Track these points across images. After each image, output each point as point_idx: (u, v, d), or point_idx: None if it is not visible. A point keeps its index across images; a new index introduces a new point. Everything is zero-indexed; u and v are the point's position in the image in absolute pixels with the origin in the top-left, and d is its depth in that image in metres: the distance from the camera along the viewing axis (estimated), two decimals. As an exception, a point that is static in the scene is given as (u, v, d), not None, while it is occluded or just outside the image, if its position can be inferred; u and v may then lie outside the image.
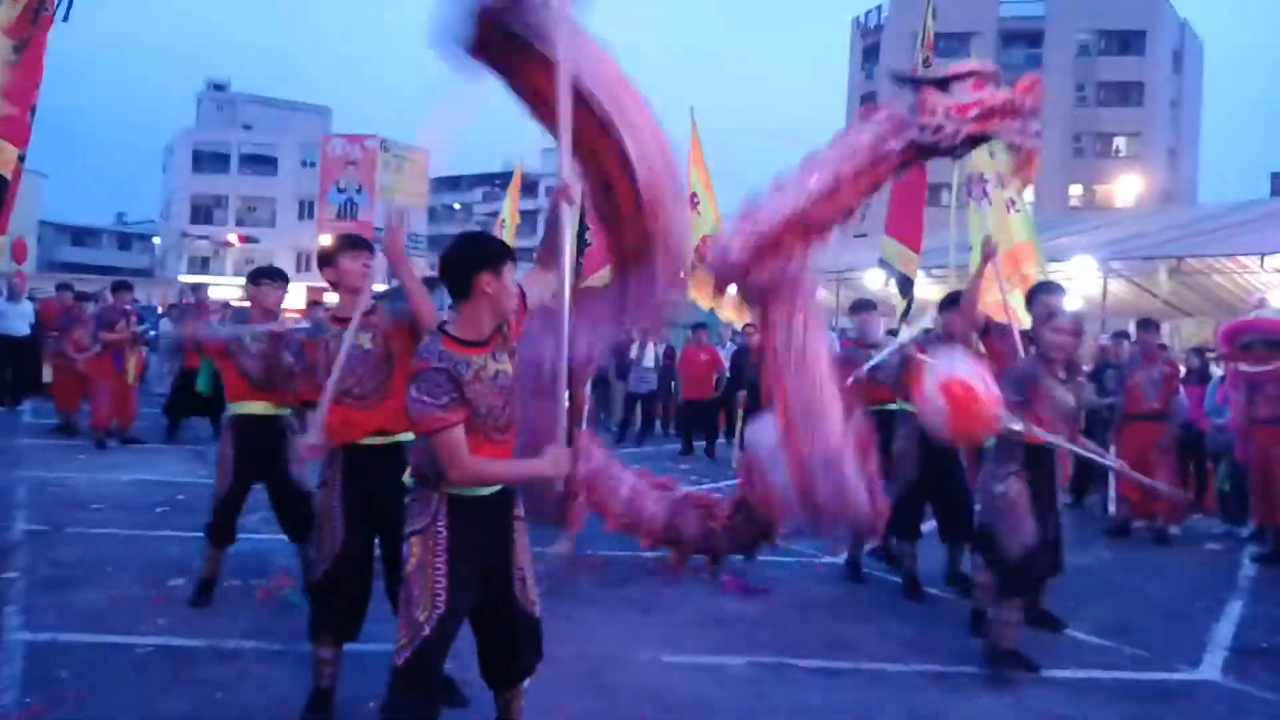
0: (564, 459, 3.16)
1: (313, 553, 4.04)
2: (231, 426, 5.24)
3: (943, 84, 5.20)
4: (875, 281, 17.10)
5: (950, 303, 6.16)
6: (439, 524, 3.09)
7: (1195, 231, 14.58)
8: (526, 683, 3.44)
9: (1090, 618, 5.27)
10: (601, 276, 9.92)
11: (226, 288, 49.44)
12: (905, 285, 10.37)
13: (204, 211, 56.86)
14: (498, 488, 3.20)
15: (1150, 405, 8.41)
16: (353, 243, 4.11)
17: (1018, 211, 9.26)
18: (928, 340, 6.27)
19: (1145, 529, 8.41)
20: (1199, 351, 9.88)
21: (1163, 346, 9.60)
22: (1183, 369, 9.31)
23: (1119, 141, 50.10)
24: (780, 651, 4.90)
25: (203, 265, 54.82)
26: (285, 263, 54.89)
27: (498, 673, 3.35)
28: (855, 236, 36.78)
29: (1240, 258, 12.59)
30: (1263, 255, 12.30)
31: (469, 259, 3.10)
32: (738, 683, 4.52)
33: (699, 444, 12.96)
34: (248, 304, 5.42)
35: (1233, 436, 8.38)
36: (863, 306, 7.43)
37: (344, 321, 3.88)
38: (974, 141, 5.36)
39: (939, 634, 5.40)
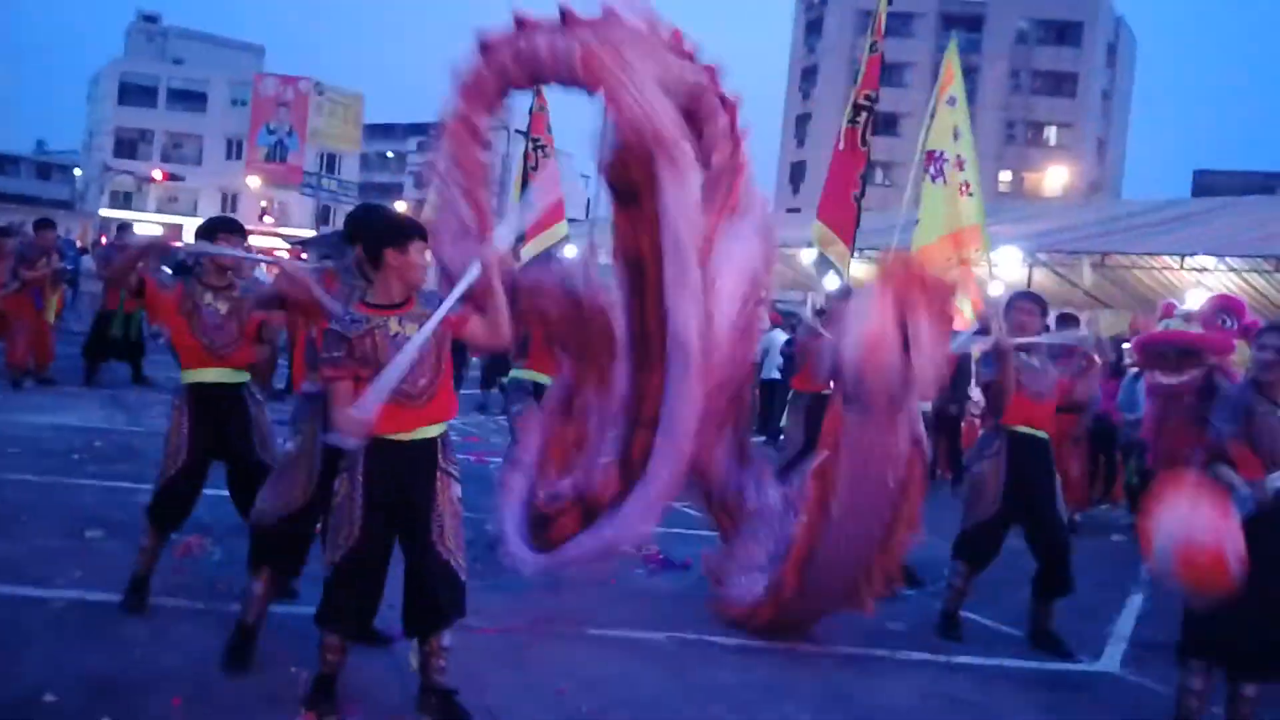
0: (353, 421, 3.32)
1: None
2: (187, 397, 4.57)
3: None
4: (807, 258, 17.31)
5: (1024, 298, 5.78)
6: (359, 465, 3.50)
7: (1121, 228, 15.00)
8: (448, 640, 3.59)
9: (999, 606, 5.46)
10: (553, 234, 9.88)
11: (149, 224, 48.14)
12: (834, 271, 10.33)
13: (129, 145, 55.05)
14: (419, 435, 3.54)
15: (1068, 397, 8.66)
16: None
17: (970, 195, 9.39)
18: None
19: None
20: (1115, 343, 10.19)
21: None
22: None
23: (1050, 131, 51.15)
24: (700, 628, 4.99)
25: (125, 200, 53.20)
26: (211, 202, 53.77)
27: (417, 616, 3.58)
28: (788, 211, 36.92)
29: (1163, 256, 13.01)
30: (1183, 256, 12.72)
31: (377, 235, 3.59)
32: (658, 658, 4.60)
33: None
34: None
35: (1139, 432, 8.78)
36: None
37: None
38: None
39: (853, 617, 5.54)
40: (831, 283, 8.69)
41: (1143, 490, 9.08)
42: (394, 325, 3.48)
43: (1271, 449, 4.05)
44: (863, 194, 8.78)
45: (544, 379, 6.29)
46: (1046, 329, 5.89)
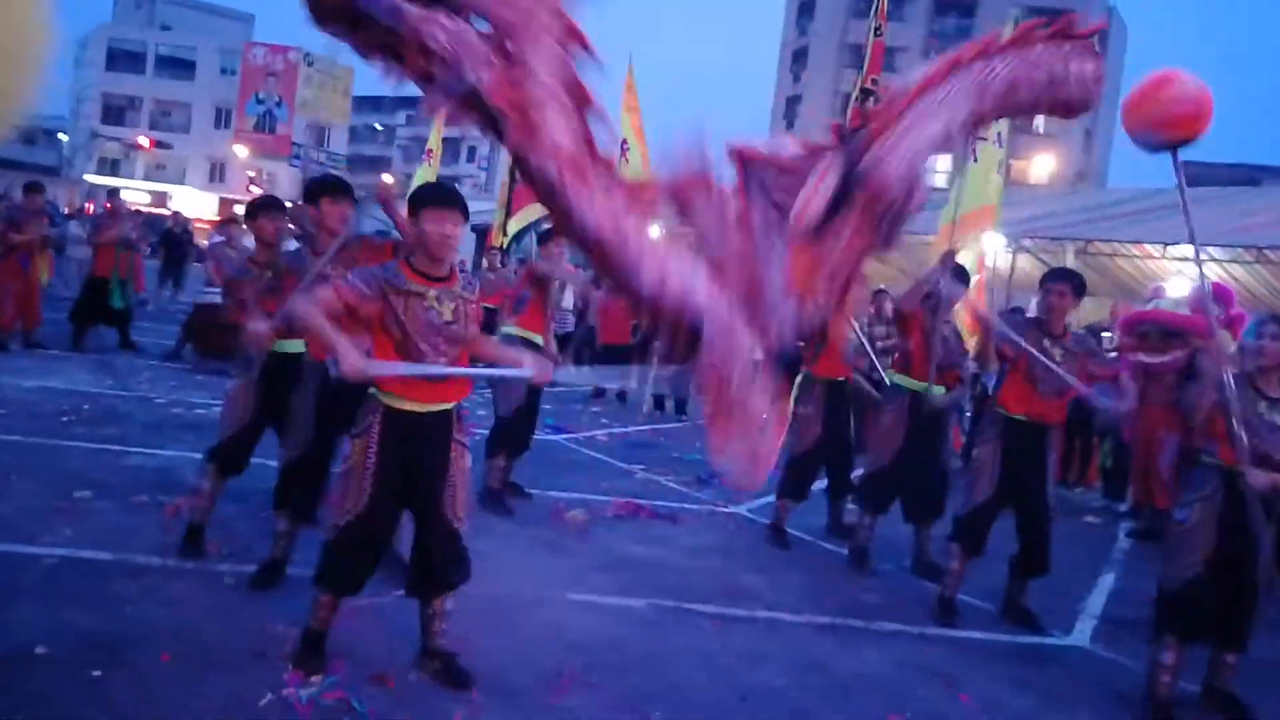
0: (345, 361, 3.33)
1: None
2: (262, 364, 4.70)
3: None
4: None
5: (1057, 277, 5.46)
6: (373, 430, 3.53)
7: (1105, 215, 15.11)
8: (449, 604, 3.75)
9: (974, 582, 5.57)
10: (534, 209, 9.87)
11: (136, 191, 47.78)
12: None
13: (116, 112, 54.50)
14: (434, 407, 3.57)
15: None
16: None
17: (999, 173, 9.48)
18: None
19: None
20: (1094, 331, 10.30)
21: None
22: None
23: (1038, 119, 51.15)
24: (681, 596, 5.09)
25: (112, 167, 52.71)
26: (199, 171, 53.44)
27: (422, 580, 3.70)
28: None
29: (1145, 245, 13.11)
30: (1166, 244, 12.82)
31: (413, 202, 3.54)
32: (639, 624, 4.69)
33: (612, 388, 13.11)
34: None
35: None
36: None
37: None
38: None
39: (831, 587, 5.68)
40: None
41: (1116, 473, 9.28)
42: (431, 298, 3.50)
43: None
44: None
45: (536, 337, 6.43)
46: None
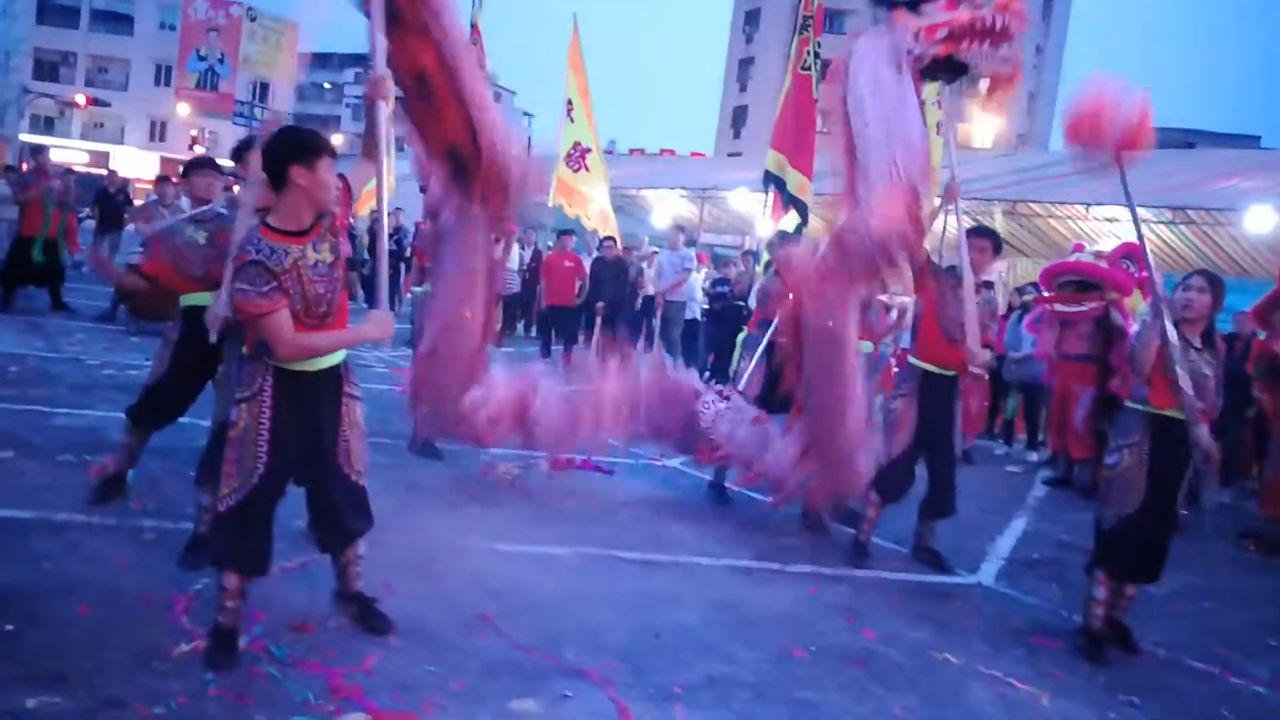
0: (386, 321, 3.56)
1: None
2: (184, 315, 4.62)
3: (914, 4, 4.94)
4: (741, 202, 17.50)
5: (976, 234, 5.71)
6: (265, 393, 3.40)
7: (1035, 177, 15.38)
8: (362, 548, 3.81)
9: (890, 527, 5.78)
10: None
11: (74, 151, 46.60)
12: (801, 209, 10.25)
13: (49, 68, 52.86)
14: (325, 364, 3.50)
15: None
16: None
17: (938, 136, 9.59)
18: None
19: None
20: (1019, 290, 10.58)
21: (987, 283, 10.26)
22: (1004, 304, 10.09)
23: (984, 82, 51.45)
24: (606, 545, 5.24)
25: (47, 125, 51.23)
26: (138, 130, 52.16)
27: (327, 535, 3.71)
28: (729, 155, 36.79)
29: (1072, 205, 13.39)
30: (1088, 204, 13.11)
31: (282, 151, 3.31)
32: (563, 571, 4.82)
33: (558, 349, 13.20)
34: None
35: (1024, 370, 9.30)
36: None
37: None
38: (943, 66, 5.04)
39: (754, 535, 5.85)
40: (790, 221, 8.88)
41: (1025, 423, 9.76)
42: (310, 254, 3.35)
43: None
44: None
45: None
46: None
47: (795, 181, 8.98)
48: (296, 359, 3.39)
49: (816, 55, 9.12)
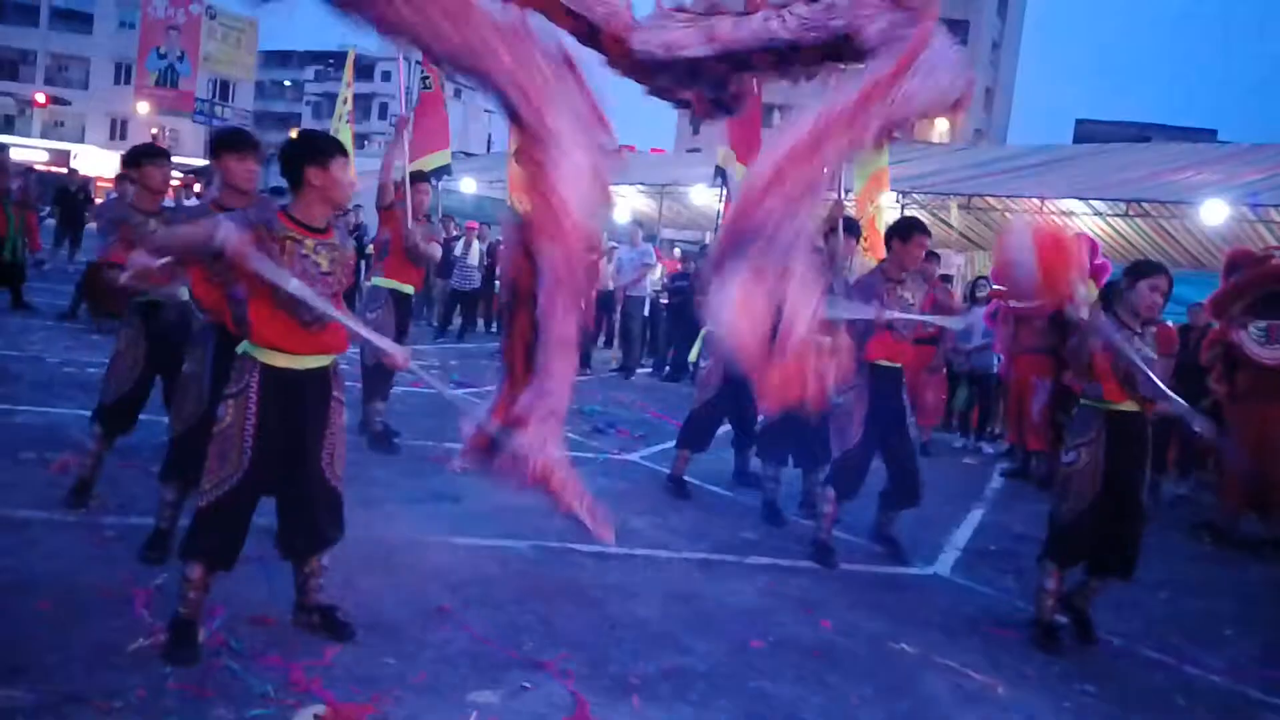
0: (405, 350, 3.75)
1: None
2: (138, 313, 4.77)
3: None
4: (700, 197, 17.55)
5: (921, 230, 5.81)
6: (251, 391, 3.44)
7: (990, 171, 15.54)
8: (326, 560, 3.79)
9: (849, 519, 5.88)
10: (428, 161, 9.90)
11: (34, 150, 45.91)
12: None
13: (8, 66, 52.01)
14: (313, 364, 3.53)
15: (926, 330, 9.18)
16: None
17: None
18: None
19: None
20: (974, 283, 10.75)
21: (946, 277, 10.46)
22: (960, 296, 10.31)
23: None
24: (564, 538, 5.24)
25: (6, 124, 50.44)
26: (99, 128, 51.46)
27: (297, 541, 3.69)
28: (688, 151, 36.78)
29: (1027, 199, 13.56)
30: (1043, 198, 13.29)
31: (297, 154, 3.48)
32: (520, 563, 4.88)
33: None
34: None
35: (975, 361, 9.51)
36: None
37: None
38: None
39: (712, 527, 5.93)
40: None
41: (978, 416, 9.97)
42: (308, 246, 3.45)
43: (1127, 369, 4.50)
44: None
45: (405, 288, 6.55)
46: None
47: (741, 175, 9.07)
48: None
49: None
